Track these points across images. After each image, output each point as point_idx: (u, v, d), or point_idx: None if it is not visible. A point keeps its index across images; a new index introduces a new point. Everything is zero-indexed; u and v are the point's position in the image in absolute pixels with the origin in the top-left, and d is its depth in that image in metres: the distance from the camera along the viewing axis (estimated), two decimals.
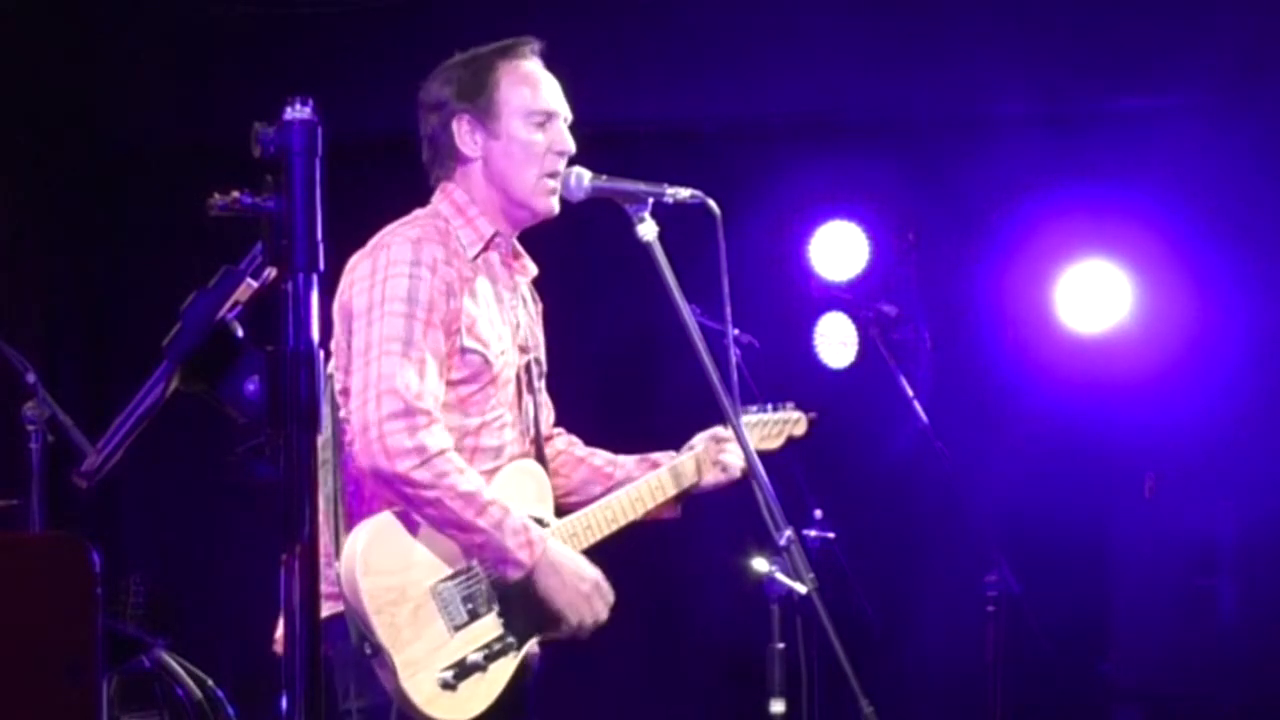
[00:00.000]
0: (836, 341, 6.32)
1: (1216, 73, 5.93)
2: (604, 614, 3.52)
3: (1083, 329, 6.22)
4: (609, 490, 3.79)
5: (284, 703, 2.29)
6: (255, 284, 2.39)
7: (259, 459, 2.33)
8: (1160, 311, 6.12)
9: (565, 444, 3.89)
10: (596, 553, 3.65)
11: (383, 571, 3.32)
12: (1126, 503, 6.10)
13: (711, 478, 3.86)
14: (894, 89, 6.32)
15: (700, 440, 3.88)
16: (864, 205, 6.34)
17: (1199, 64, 5.95)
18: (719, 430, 3.86)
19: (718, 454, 3.86)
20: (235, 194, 2.32)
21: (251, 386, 2.34)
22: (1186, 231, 6.12)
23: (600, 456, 3.89)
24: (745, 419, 3.85)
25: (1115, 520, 6.14)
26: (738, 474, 3.84)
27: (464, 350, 3.46)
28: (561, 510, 3.68)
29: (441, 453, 3.33)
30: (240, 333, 2.40)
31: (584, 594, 3.49)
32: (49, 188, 6.78)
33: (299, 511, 2.29)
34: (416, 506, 3.35)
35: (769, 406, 4.13)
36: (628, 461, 3.88)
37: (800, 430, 4.19)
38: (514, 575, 3.42)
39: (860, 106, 6.42)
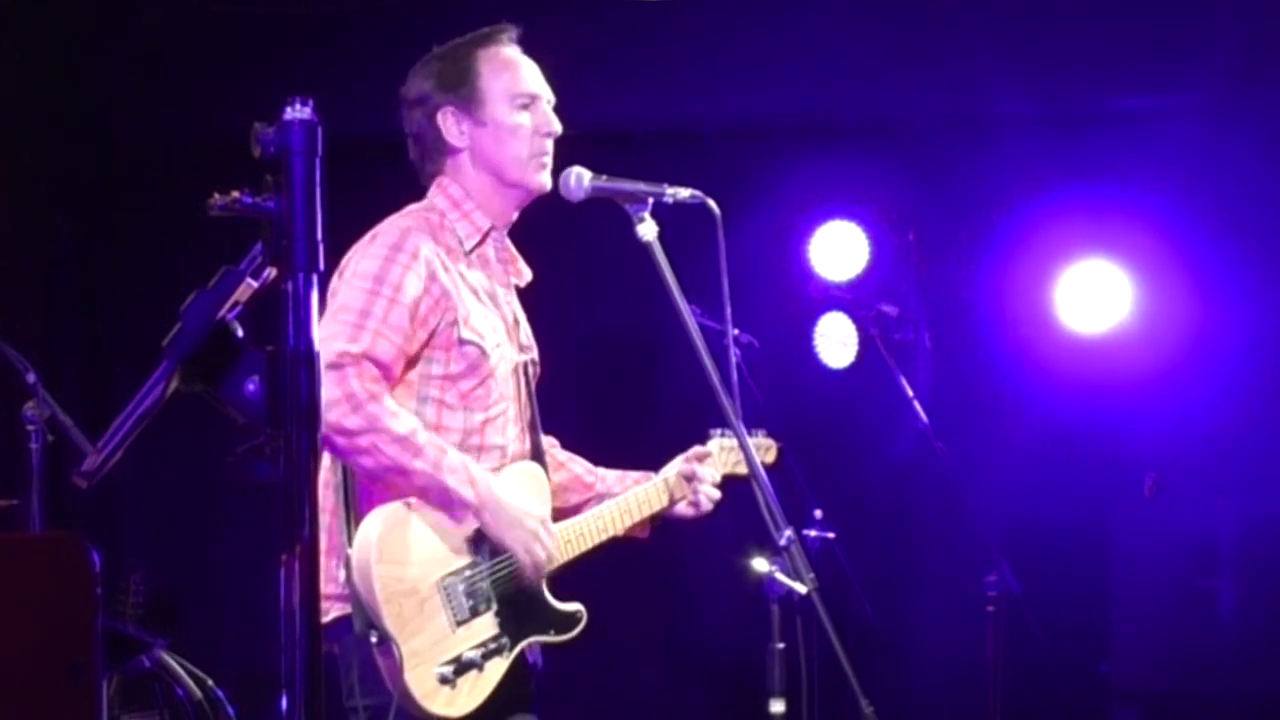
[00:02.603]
0: (836, 341, 6.32)
1: (1216, 73, 5.92)
2: (554, 551, 3.52)
3: (1083, 329, 6.22)
4: (586, 499, 3.81)
5: (284, 703, 2.29)
6: (255, 284, 2.38)
7: (259, 459, 2.33)
8: (1160, 311, 6.12)
9: (546, 444, 3.88)
10: (596, 551, 3.66)
11: (395, 561, 3.33)
12: (1127, 503, 6.10)
13: (683, 506, 3.86)
14: (894, 89, 6.32)
15: (679, 462, 3.87)
16: (864, 205, 6.34)
17: (1199, 64, 5.95)
18: (698, 449, 3.87)
19: (695, 483, 3.85)
20: (235, 194, 2.32)
21: (251, 386, 2.34)
22: (1186, 231, 6.12)
23: (580, 464, 3.90)
24: (718, 443, 3.88)
25: (1115, 520, 6.14)
26: (708, 506, 3.85)
27: (461, 342, 3.47)
28: None
29: (373, 396, 3.32)
30: (240, 333, 2.40)
31: (531, 530, 3.48)
32: (49, 187, 6.78)
33: (299, 511, 2.29)
34: (351, 457, 3.34)
35: None
36: (608, 475, 3.88)
37: (770, 458, 4.17)
38: (462, 514, 3.42)
39: (860, 106, 6.42)
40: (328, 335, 3.30)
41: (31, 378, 4.73)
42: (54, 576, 2.87)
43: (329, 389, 3.25)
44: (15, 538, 4.18)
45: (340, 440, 3.31)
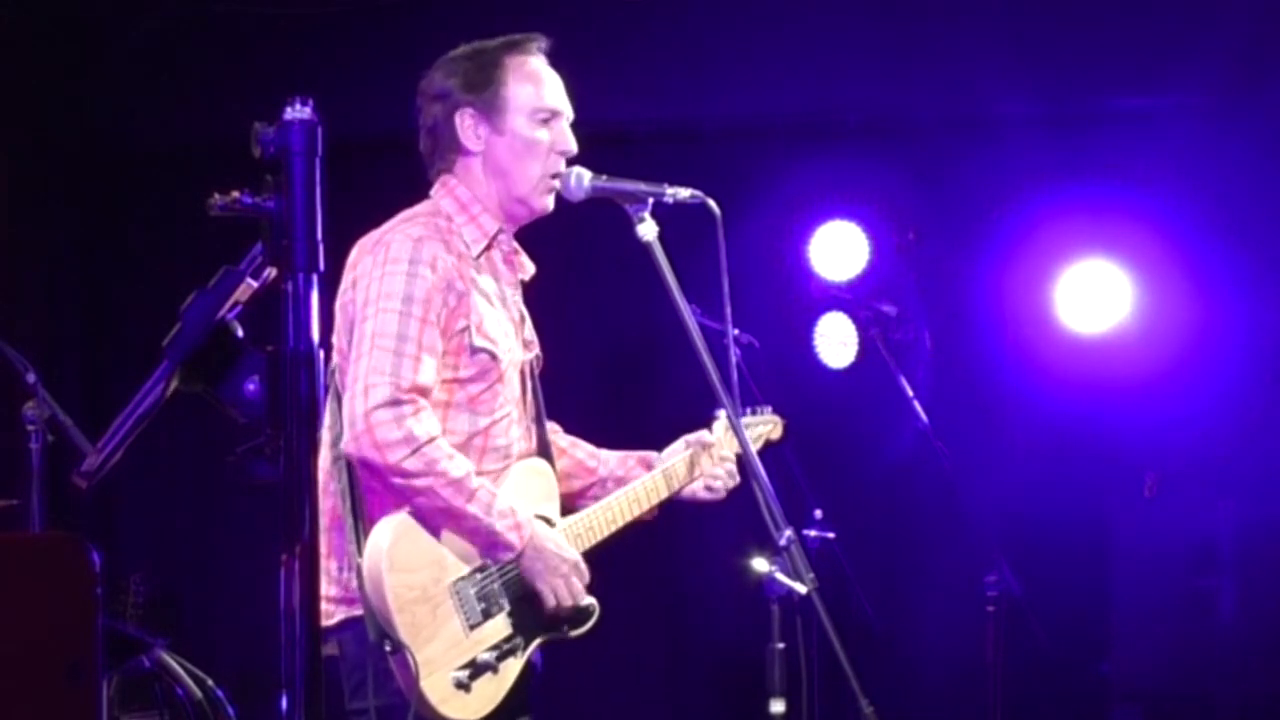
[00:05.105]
0: (836, 341, 6.32)
1: (1216, 73, 5.92)
2: (581, 593, 3.53)
3: (1083, 329, 6.21)
4: (589, 485, 3.82)
5: (284, 703, 2.29)
6: (255, 284, 2.39)
7: (259, 459, 2.33)
8: (1160, 311, 6.11)
9: (549, 429, 3.87)
10: (598, 551, 3.66)
11: (407, 569, 3.33)
12: (1126, 503, 6.10)
13: (700, 490, 3.86)
14: (894, 89, 6.32)
15: (687, 442, 3.88)
16: (864, 205, 6.33)
17: (1199, 64, 5.94)
18: (704, 435, 3.88)
19: (710, 466, 3.86)
20: (235, 194, 2.32)
21: (251, 386, 2.34)
22: (1186, 231, 6.11)
23: (583, 449, 3.90)
24: (724, 424, 3.87)
25: (1115, 520, 6.14)
26: (722, 493, 3.87)
27: (473, 349, 3.47)
28: None
29: (431, 440, 3.33)
30: (240, 333, 2.40)
31: (564, 575, 3.50)
32: (49, 188, 6.78)
33: (299, 512, 2.29)
34: (407, 496, 3.35)
35: (747, 410, 4.11)
36: (610, 458, 3.88)
37: (776, 434, 4.18)
38: (504, 557, 3.44)
39: (860, 106, 6.42)
40: (375, 366, 3.31)
41: (31, 378, 4.73)
42: (54, 576, 2.87)
43: (388, 428, 3.28)
44: (15, 538, 4.17)
45: (397, 480, 3.33)
